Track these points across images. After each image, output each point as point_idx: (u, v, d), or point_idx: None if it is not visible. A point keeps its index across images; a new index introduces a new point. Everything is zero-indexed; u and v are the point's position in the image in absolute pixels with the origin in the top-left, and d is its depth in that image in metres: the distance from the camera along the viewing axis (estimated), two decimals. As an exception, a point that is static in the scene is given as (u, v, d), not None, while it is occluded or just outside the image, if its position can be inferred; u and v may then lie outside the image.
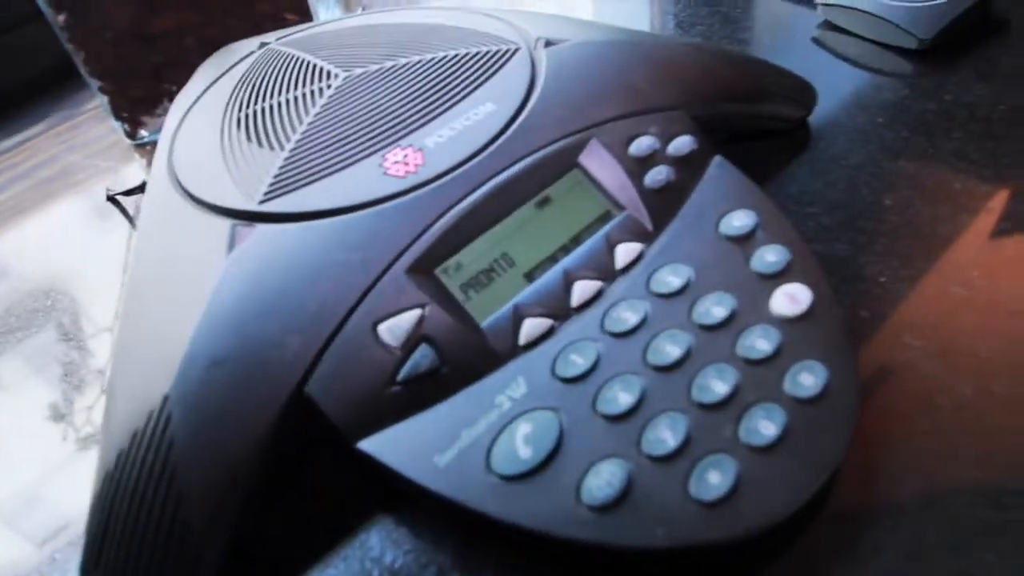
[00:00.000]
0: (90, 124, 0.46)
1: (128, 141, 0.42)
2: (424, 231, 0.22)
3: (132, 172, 0.40)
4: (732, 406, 0.19)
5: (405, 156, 0.23)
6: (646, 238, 0.23)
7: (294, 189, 0.23)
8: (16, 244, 0.36)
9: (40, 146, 0.45)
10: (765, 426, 0.19)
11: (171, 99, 0.42)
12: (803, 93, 0.31)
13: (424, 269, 0.21)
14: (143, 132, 0.42)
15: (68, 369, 0.28)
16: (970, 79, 0.32)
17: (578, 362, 0.20)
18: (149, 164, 0.40)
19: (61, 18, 0.39)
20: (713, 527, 0.17)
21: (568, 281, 0.22)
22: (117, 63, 0.40)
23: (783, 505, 0.18)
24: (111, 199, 0.36)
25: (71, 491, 0.24)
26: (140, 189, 0.34)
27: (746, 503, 0.18)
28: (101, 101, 0.41)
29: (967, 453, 0.20)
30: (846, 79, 0.33)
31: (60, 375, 0.28)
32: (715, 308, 0.21)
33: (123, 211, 0.35)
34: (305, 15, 0.44)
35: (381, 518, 0.21)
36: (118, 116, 0.41)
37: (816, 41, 0.36)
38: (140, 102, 0.41)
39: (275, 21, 0.43)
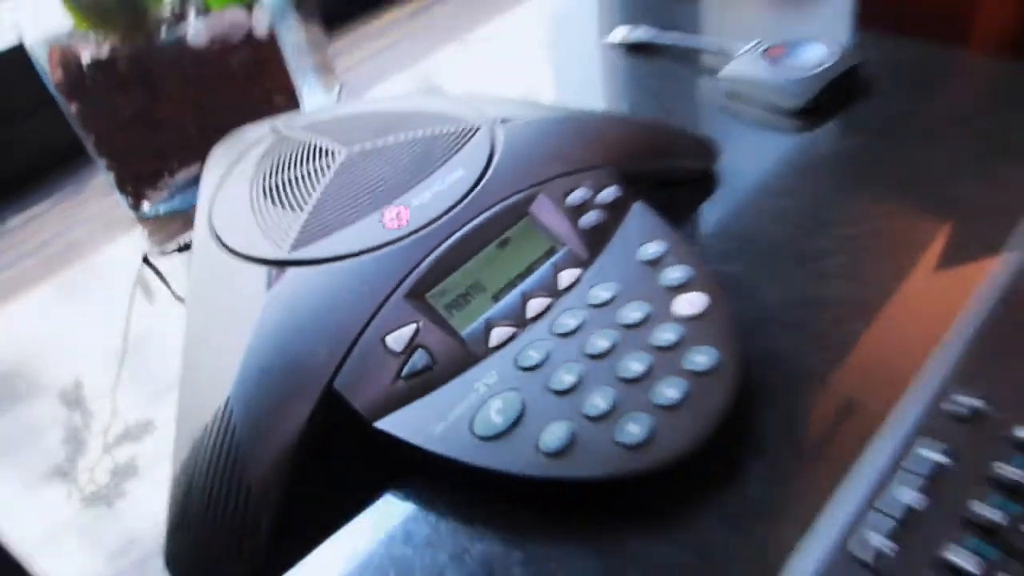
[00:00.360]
0: (96, 199, 0.51)
1: (131, 214, 0.47)
2: (415, 267, 0.29)
3: (135, 242, 0.45)
4: (646, 379, 0.26)
5: (398, 213, 0.31)
6: (583, 265, 0.30)
7: (314, 241, 0.30)
8: (18, 314, 0.41)
9: (47, 222, 0.50)
10: (671, 392, 0.26)
11: (172, 175, 0.47)
12: (707, 149, 0.39)
13: (417, 295, 0.29)
14: (145, 205, 0.47)
15: (69, 433, 0.33)
16: (841, 133, 0.40)
17: (534, 356, 0.27)
18: (151, 234, 0.46)
19: (74, 107, 0.45)
20: (633, 463, 0.24)
21: (525, 299, 0.29)
22: (124, 145, 0.45)
23: (683, 447, 0.25)
24: (145, 261, 0.42)
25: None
26: (182, 249, 0.41)
27: (657, 446, 0.25)
28: (107, 177, 0.46)
29: (822, 408, 0.27)
30: (744, 136, 0.41)
31: (61, 439, 0.33)
32: (633, 313, 0.28)
33: (157, 272, 0.42)
34: (292, 97, 0.51)
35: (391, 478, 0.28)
36: (123, 191, 0.46)
37: (721, 107, 0.44)
38: (144, 178, 0.47)
39: (266, 104, 0.50)
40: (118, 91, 0.44)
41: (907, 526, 0.22)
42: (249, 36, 0.46)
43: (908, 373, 0.27)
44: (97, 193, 0.52)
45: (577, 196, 0.32)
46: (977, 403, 0.24)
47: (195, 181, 0.46)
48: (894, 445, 0.24)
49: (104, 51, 0.43)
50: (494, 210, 0.31)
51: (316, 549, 0.27)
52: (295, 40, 0.54)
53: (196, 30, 0.45)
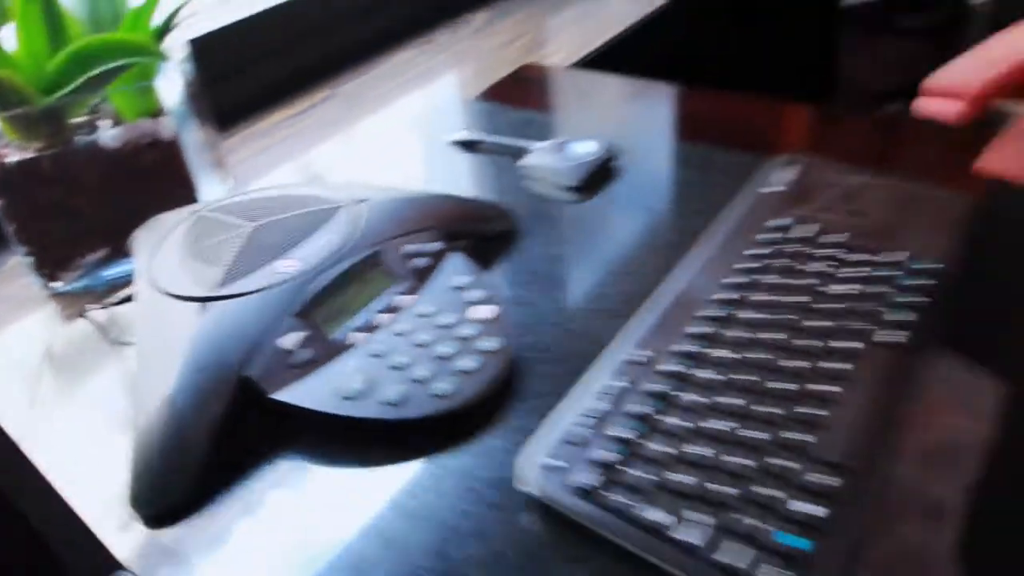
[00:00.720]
0: (8, 281, 0.60)
1: (43, 294, 0.56)
2: (301, 296, 0.43)
3: (48, 318, 0.55)
4: (453, 357, 0.41)
5: (288, 263, 0.45)
6: (414, 292, 0.45)
7: (231, 283, 0.44)
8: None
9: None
10: (468, 364, 0.41)
11: (83, 257, 0.57)
12: (507, 216, 0.55)
13: (303, 314, 0.43)
14: (58, 284, 0.56)
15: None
16: (601, 202, 0.58)
17: (380, 348, 0.42)
18: (63, 309, 0.56)
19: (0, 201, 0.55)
20: (444, 406, 0.39)
21: (374, 315, 0.44)
22: (42, 234, 0.55)
23: (475, 397, 0.40)
24: (82, 315, 0.54)
25: None
26: (120, 303, 0.53)
27: (458, 396, 0.40)
28: (26, 260, 0.55)
29: (563, 367, 0.43)
30: (536, 206, 0.58)
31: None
32: (446, 319, 0.43)
33: (96, 324, 0.54)
34: (191, 190, 0.63)
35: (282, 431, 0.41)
36: (40, 272, 0.56)
37: (521, 186, 0.61)
38: (59, 261, 0.56)
39: (169, 196, 0.59)
40: (40, 188, 0.53)
41: (599, 422, 0.37)
42: (156, 140, 0.58)
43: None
44: (8, 276, 0.61)
45: (411, 249, 0.47)
46: (647, 354, 0.40)
47: (103, 262, 0.58)
48: (598, 380, 0.39)
49: (29, 154, 0.54)
50: (353, 259, 0.46)
51: (236, 484, 0.40)
52: (194, 141, 0.67)
53: (111, 136, 0.57)
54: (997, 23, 1.30)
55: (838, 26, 1.50)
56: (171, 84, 0.61)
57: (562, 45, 1.01)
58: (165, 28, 0.63)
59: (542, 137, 0.65)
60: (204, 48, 0.81)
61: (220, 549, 0.36)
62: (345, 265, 0.45)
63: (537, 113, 0.74)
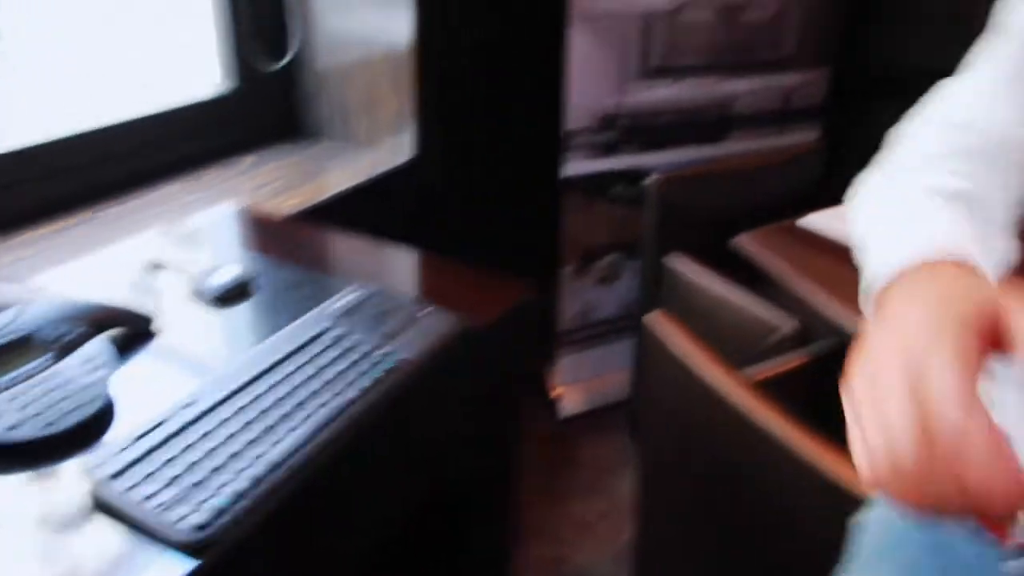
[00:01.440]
0: None
1: None
2: (-37, 361, 0.64)
3: None
4: (63, 400, 0.63)
5: (-40, 338, 0.66)
6: (56, 362, 0.67)
7: (-88, 350, 0.64)
8: None
9: None
10: (73, 405, 0.63)
11: None
12: (145, 319, 0.78)
13: (-39, 371, 0.63)
14: None
15: None
16: (232, 313, 0.82)
17: (16, 395, 0.63)
18: None
19: None
20: (50, 430, 0.61)
21: (20, 375, 0.65)
22: None
23: (73, 425, 0.62)
24: None
25: None
26: None
27: (59, 424, 0.61)
28: None
29: (149, 412, 0.65)
30: (185, 311, 0.81)
31: None
32: (69, 378, 0.65)
33: None
34: None
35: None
36: None
37: (181, 297, 0.85)
38: None
39: None
40: None
41: (138, 439, 0.60)
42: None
43: (174, 394, 0.66)
44: None
45: (58, 333, 0.69)
46: (193, 399, 0.64)
47: None
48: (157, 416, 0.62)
49: None
50: (9, 337, 0.67)
51: None
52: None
53: None
54: (663, 200, 1.70)
55: (560, 192, 1.86)
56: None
57: (303, 192, 1.28)
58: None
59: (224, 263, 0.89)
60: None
61: None
62: (2, 341, 0.67)
63: (232, 245, 0.99)
